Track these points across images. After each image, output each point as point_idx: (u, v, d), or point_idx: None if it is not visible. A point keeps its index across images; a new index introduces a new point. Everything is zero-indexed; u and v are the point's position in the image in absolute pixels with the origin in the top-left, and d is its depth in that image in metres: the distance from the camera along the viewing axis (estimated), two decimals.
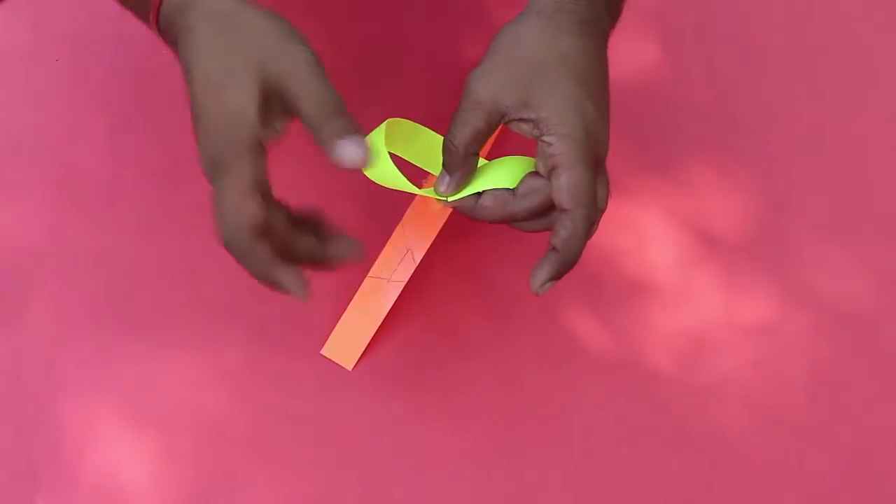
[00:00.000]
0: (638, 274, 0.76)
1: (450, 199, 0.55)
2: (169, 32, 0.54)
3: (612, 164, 0.80)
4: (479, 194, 0.54)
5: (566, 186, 0.51)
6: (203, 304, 0.74)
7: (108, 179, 0.78)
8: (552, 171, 0.52)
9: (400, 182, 0.55)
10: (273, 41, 0.52)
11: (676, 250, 0.76)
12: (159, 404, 0.71)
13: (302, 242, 0.54)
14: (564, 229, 0.52)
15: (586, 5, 0.55)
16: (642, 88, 0.81)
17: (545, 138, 0.52)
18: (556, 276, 0.53)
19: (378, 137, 0.55)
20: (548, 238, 0.54)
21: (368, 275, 0.71)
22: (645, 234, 0.77)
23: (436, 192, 0.55)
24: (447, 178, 0.54)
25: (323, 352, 0.72)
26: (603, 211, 0.55)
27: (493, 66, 0.53)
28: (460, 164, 0.54)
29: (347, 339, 0.72)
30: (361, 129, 0.53)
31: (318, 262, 0.55)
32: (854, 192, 0.79)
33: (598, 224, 0.54)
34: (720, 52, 0.83)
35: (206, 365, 0.72)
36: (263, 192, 0.52)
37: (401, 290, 0.70)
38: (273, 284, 0.53)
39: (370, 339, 0.71)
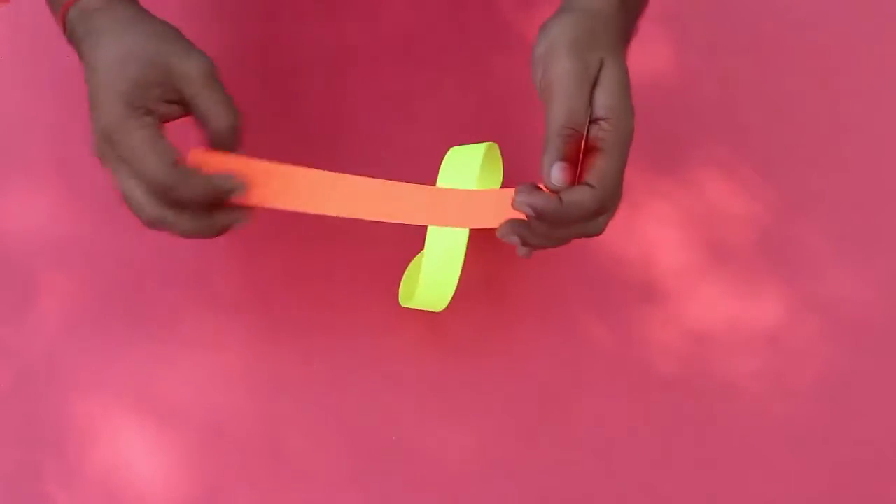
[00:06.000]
0: (646, 278, 0.75)
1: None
2: (73, 36, 0.59)
3: None
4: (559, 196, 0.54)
5: (600, 170, 0.54)
6: (209, 301, 0.74)
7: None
8: (591, 150, 0.55)
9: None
10: (174, 43, 0.57)
11: (685, 254, 0.76)
12: (166, 401, 0.71)
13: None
14: (584, 192, 0.53)
15: (623, 15, 0.58)
16: (653, 92, 0.81)
17: (602, 124, 0.54)
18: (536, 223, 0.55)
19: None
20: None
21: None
22: (653, 237, 0.77)
23: (549, 182, 0.54)
24: (564, 167, 0.54)
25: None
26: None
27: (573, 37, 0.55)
28: (579, 147, 0.55)
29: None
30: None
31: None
32: (866, 198, 0.78)
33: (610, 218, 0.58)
34: (731, 56, 0.82)
35: (212, 363, 0.72)
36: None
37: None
38: (215, 197, 0.56)
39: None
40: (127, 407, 0.71)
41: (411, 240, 0.75)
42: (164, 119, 0.57)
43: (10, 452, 0.70)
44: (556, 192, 0.53)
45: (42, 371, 0.72)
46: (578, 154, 0.54)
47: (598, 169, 0.54)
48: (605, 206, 0.54)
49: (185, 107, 0.58)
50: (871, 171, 0.79)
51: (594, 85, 0.55)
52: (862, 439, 0.72)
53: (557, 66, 0.55)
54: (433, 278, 0.65)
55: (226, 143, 0.58)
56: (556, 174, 0.53)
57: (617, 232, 0.76)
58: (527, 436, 0.71)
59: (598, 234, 0.57)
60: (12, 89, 0.81)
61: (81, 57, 0.58)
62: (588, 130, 0.55)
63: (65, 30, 0.60)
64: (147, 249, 0.76)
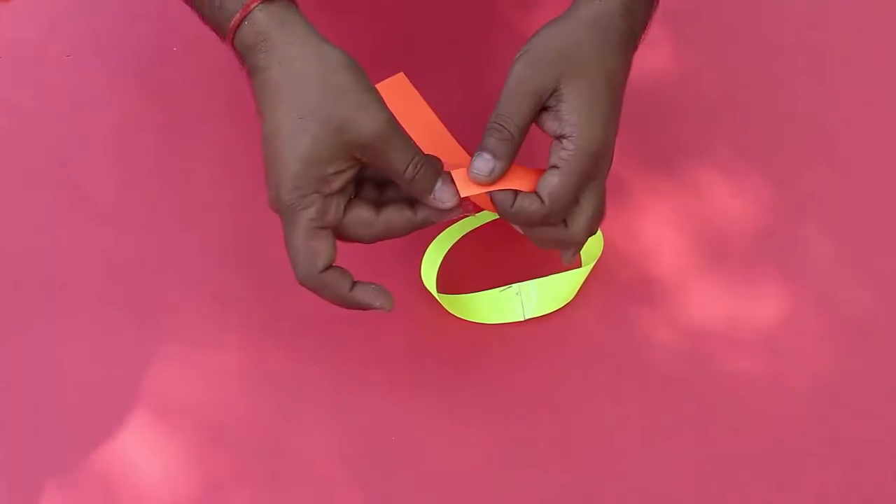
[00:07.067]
0: (646, 278, 0.75)
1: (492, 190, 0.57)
2: (242, 63, 0.57)
3: (620, 165, 0.80)
4: (514, 193, 0.57)
5: (550, 187, 0.56)
6: (211, 302, 0.74)
7: (116, 177, 0.78)
8: (551, 167, 0.57)
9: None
10: (351, 96, 0.54)
11: (685, 254, 0.76)
12: (165, 400, 0.71)
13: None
14: (532, 202, 0.57)
15: (629, 21, 0.58)
16: (653, 92, 0.81)
17: (564, 142, 0.56)
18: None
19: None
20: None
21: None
22: (653, 237, 0.77)
23: (474, 173, 0.57)
24: (494, 162, 0.56)
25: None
26: (601, 217, 0.61)
27: (543, 54, 0.56)
28: (514, 150, 0.56)
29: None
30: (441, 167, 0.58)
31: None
32: (866, 198, 0.78)
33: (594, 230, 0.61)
34: (731, 56, 0.82)
35: (211, 362, 0.72)
36: (333, 226, 0.56)
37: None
38: (355, 307, 0.58)
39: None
40: (126, 406, 0.71)
41: (410, 240, 0.75)
42: (340, 188, 0.56)
43: (9, 452, 0.70)
44: (480, 182, 0.56)
45: (40, 370, 0.72)
46: (510, 153, 0.57)
47: (549, 184, 0.57)
48: (551, 219, 0.58)
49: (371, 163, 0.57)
50: (871, 171, 0.79)
51: (560, 100, 0.56)
52: (862, 439, 0.72)
53: (514, 68, 0.56)
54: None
55: (414, 192, 0.58)
56: (478, 163, 0.56)
57: (617, 232, 0.76)
58: (527, 436, 0.71)
59: (575, 244, 0.62)
60: (11, 89, 0.81)
61: (251, 87, 0.56)
62: (553, 148, 0.57)
63: (234, 52, 0.57)
64: (146, 248, 0.76)
